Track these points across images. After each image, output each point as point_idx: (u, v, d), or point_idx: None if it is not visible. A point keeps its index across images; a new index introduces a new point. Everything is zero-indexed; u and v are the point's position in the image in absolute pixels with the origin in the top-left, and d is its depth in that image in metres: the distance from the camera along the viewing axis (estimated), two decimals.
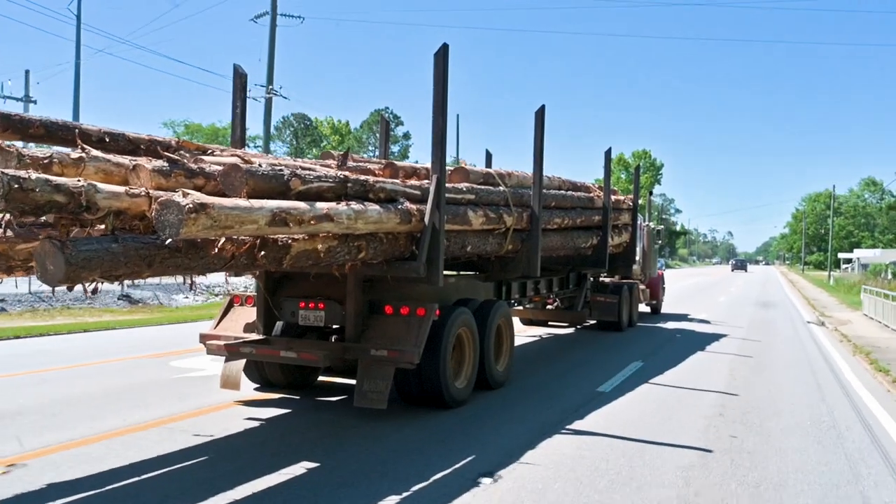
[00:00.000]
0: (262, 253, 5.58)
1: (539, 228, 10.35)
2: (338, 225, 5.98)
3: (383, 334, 7.51)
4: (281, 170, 5.85)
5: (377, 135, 68.68)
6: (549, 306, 16.74)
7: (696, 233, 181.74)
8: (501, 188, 9.84)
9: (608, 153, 14.61)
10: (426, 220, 7.33)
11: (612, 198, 15.33)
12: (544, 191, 11.39)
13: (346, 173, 6.61)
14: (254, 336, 7.96)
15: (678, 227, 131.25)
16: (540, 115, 10.35)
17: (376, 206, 6.63)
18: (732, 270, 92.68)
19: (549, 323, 17.16)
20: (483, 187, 9.32)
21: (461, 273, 10.70)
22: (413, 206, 7.30)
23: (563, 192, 12.33)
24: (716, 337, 16.24)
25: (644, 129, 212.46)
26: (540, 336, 15.54)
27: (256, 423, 7.30)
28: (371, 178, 6.94)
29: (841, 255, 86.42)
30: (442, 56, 7.48)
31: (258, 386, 8.78)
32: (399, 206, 7.10)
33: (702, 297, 32.78)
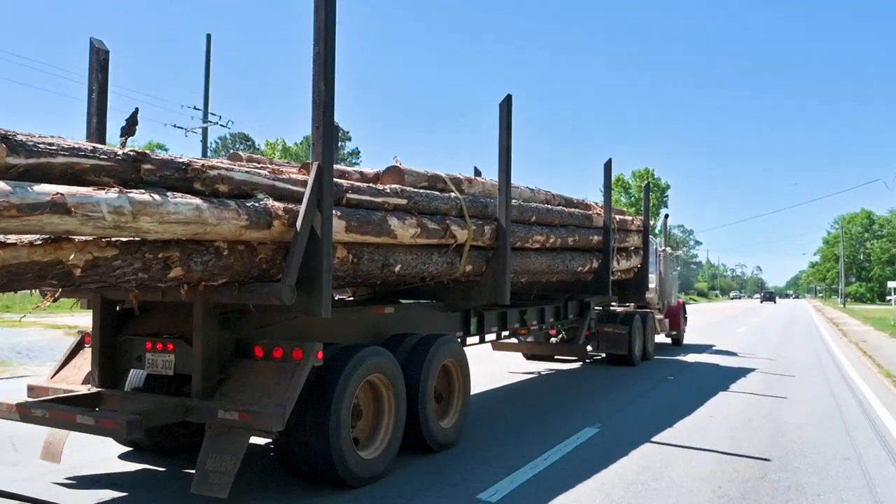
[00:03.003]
0: None
1: (507, 246, 7.66)
2: (88, 222, 3.44)
3: (246, 387, 4.91)
4: None
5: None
6: (552, 338, 13.98)
7: (723, 267, 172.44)
8: (453, 195, 7.22)
9: (608, 165, 11.85)
10: (298, 224, 4.75)
11: (617, 217, 12.52)
12: (521, 202, 8.76)
13: (138, 150, 4.09)
14: (84, 389, 5.41)
15: (697, 259, 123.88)
16: (506, 106, 7.73)
17: (194, 201, 4.09)
18: (761, 302, 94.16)
19: (556, 357, 14.32)
20: (423, 191, 6.72)
21: (407, 301, 8.03)
22: (280, 206, 4.75)
23: (547, 206, 9.60)
24: (738, 374, 13.15)
25: (650, 151, 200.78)
26: (538, 372, 12.68)
27: None
28: (201, 162, 4.40)
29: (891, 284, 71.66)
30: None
31: (129, 450, 6.24)
32: (254, 205, 4.54)
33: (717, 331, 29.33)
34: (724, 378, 12.28)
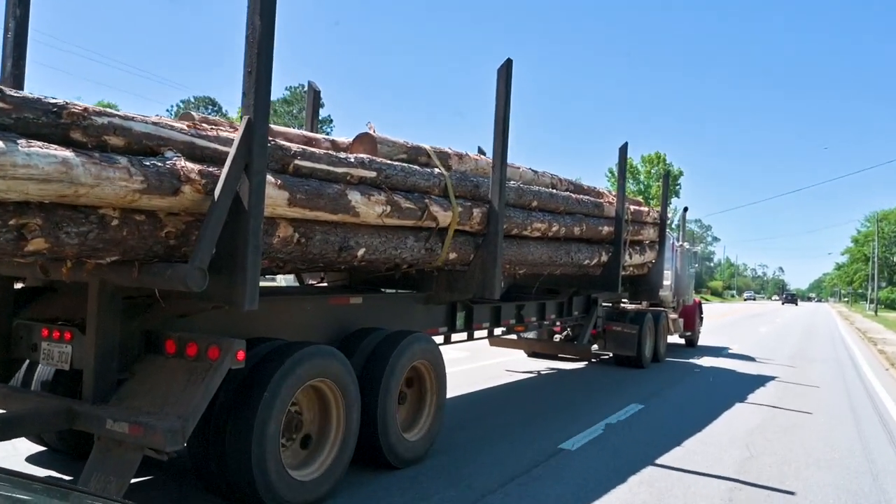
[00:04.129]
0: None
1: (499, 232, 6.62)
2: None
3: (149, 391, 3.94)
4: None
5: (296, 110, 51.71)
6: (557, 336, 12.93)
7: (743, 266, 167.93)
8: (436, 170, 6.18)
9: (623, 150, 10.70)
10: (217, 192, 3.75)
11: (631, 207, 11.40)
12: (521, 185, 7.71)
13: None
14: None
15: (714, 257, 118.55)
16: (505, 72, 6.67)
17: (60, 154, 3.09)
18: (783, 304, 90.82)
19: (560, 356, 13.27)
20: (398, 164, 5.69)
21: (389, 291, 7.03)
22: (195, 168, 3.75)
23: (551, 191, 8.53)
24: (755, 383, 12.01)
25: (664, 136, 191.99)
26: (537, 372, 11.64)
27: None
28: (83, 106, 3.40)
29: None
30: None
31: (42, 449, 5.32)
32: (155, 165, 3.55)
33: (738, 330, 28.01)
34: (739, 387, 11.16)
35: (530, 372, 11.47)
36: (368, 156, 5.42)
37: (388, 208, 5.31)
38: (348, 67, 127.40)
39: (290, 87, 55.95)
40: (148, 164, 3.49)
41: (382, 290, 7.21)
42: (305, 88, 8.15)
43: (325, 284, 7.69)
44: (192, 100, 59.40)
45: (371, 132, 5.83)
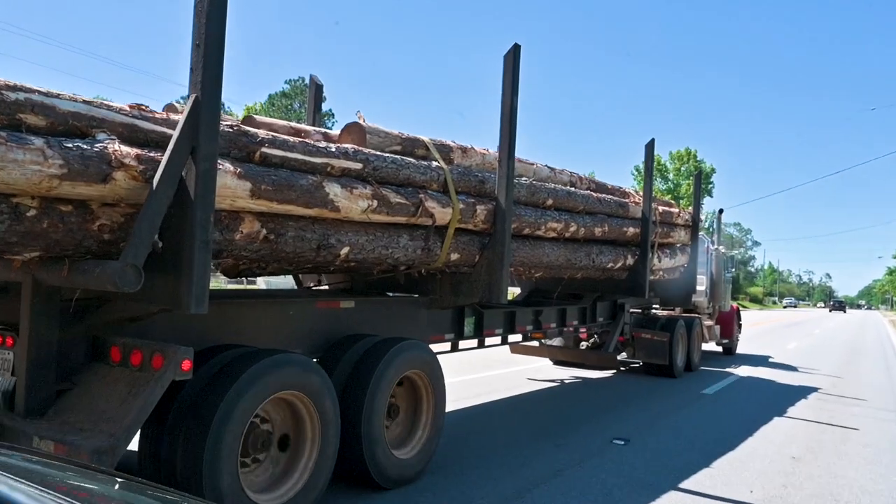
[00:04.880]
0: None
1: (506, 231, 6.06)
2: None
3: (88, 404, 3.49)
4: None
5: (297, 105, 49.67)
6: (583, 343, 12.26)
7: (788, 272, 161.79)
8: (434, 164, 5.66)
9: (650, 147, 10.03)
10: (155, 179, 3.28)
11: (660, 208, 10.70)
12: (534, 182, 7.13)
13: None
14: None
15: (754, 262, 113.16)
16: (512, 58, 6.12)
17: None
18: (830, 311, 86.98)
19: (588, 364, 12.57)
20: (388, 156, 5.18)
21: (382, 295, 6.52)
22: (131, 152, 3.29)
23: (569, 188, 7.92)
24: (795, 395, 11.15)
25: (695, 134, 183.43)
26: (560, 381, 10.97)
27: None
28: None
29: None
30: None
31: None
32: (80, 148, 3.10)
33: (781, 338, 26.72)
34: (777, 400, 10.34)
35: (553, 381, 10.82)
36: (353, 146, 4.93)
37: (375, 203, 4.79)
38: (350, 66, 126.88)
39: (290, 80, 54.19)
40: (70, 146, 3.04)
41: (388, 294, 6.72)
42: (306, 82, 7.72)
43: (326, 287, 7.23)
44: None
45: (360, 121, 5.34)
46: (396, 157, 5.25)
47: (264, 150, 4.08)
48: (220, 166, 3.65)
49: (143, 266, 3.29)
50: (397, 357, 4.92)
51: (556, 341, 11.83)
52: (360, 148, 4.96)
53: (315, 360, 5.00)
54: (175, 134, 3.36)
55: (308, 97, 7.62)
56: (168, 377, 3.37)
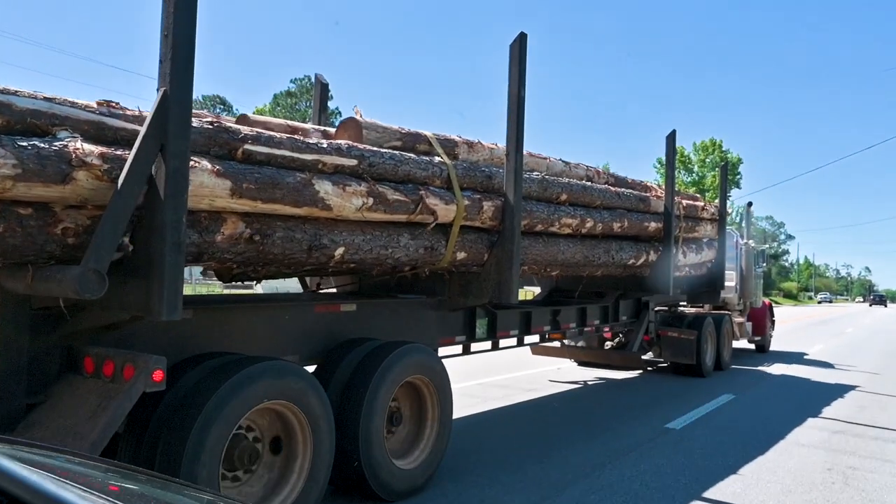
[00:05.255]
0: None
1: (515, 228, 5.77)
2: None
3: (58, 418, 3.29)
4: None
5: (303, 104, 48.39)
6: (608, 343, 11.89)
7: (825, 267, 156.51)
8: (437, 160, 5.40)
9: (671, 138, 9.64)
10: (120, 179, 3.08)
11: (684, 202, 10.29)
12: (547, 177, 6.83)
13: None
14: None
15: (787, 256, 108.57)
16: (518, 47, 5.83)
17: None
18: (870, 305, 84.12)
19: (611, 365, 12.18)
20: (386, 151, 4.93)
21: (391, 297, 6.27)
22: (94, 151, 3.09)
23: (584, 183, 7.59)
24: (831, 394, 10.63)
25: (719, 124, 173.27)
26: (584, 382, 10.61)
27: None
28: None
29: None
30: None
31: None
32: (36, 146, 2.90)
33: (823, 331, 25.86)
34: (811, 400, 9.87)
35: (575, 382, 10.47)
36: (347, 142, 4.69)
37: (371, 201, 4.55)
38: (359, 65, 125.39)
39: (296, 79, 52.62)
40: (25, 144, 2.85)
41: (397, 295, 6.48)
42: (312, 81, 7.52)
43: (333, 290, 7.02)
44: (201, 98, 53.78)
45: (357, 117, 5.10)
46: (395, 152, 5.00)
47: (247, 146, 3.86)
48: (196, 164, 3.44)
49: (114, 271, 3.10)
50: (397, 362, 4.67)
51: (580, 342, 11.48)
52: (355, 144, 4.73)
53: (313, 366, 4.79)
54: (142, 131, 3.15)
55: (314, 96, 7.43)
56: (138, 389, 3.16)
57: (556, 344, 10.32)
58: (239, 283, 5.88)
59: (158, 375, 3.22)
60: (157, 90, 3.24)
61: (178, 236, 3.20)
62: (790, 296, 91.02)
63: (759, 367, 13.17)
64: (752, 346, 15.80)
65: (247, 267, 4.73)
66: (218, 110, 51.28)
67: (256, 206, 3.84)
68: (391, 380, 4.60)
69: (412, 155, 5.16)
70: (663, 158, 9.76)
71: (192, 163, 3.41)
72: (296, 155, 4.16)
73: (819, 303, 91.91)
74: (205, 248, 3.69)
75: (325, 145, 4.38)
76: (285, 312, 4.74)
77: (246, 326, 4.38)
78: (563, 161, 7.69)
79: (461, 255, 5.66)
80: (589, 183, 7.71)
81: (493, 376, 10.55)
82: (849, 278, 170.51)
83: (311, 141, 4.34)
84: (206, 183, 3.49)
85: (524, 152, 6.96)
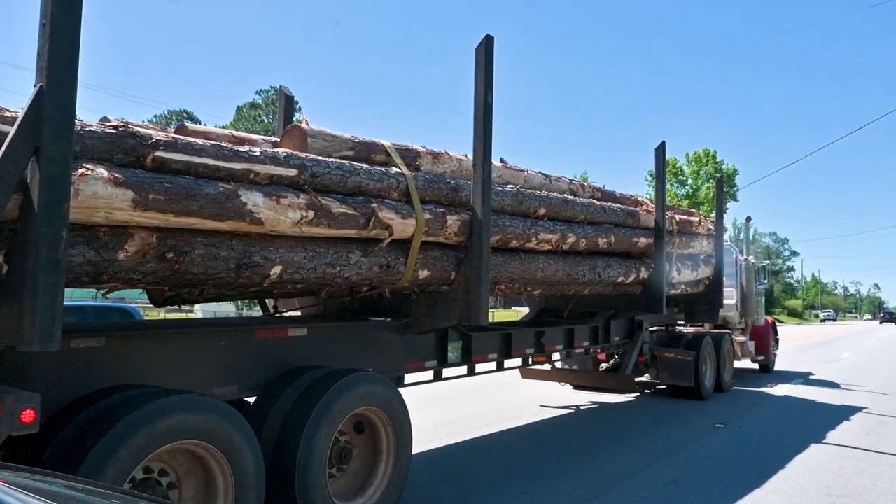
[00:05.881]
0: None
1: (484, 244, 5.30)
2: None
3: None
4: None
5: (266, 116, 45.82)
6: (603, 364, 11.34)
7: (833, 284, 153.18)
8: (394, 170, 4.95)
9: (660, 150, 9.17)
10: None
11: (677, 216, 9.80)
12: (522, 190, 6.37)
13: None
14: None
15: (791, 273, 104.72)
16: (484, 50, 5.40)
17: None
18: (881, 323, 78.84)
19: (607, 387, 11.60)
20: (332, 161, 4.48)
21: (362, 320, 5.79)
22: None
23: (566, 196, 7.12)
24: (838, 417, 10.03)
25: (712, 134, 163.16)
26: (575, 407, 10.04)
27: None
28: None
29: None
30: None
31: None
32: None
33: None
34: (818, 426, 9.27)
35: (567, 407, 9.91)
36: (286, 150, 4.25)
37: (311, 214, 4.09)
38: (351, 70, 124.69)
39: (261, 90, 49.18)
40: None
41: (366, 318, 6.00)
42: (278, 92, 7.11)
43: (298, 313, 6.54)
44: (167, 112, 51.67)
45: (302, 125, 4.66)
46: (344, 162, 4.55)
47: (159, 153, 3.41)
48: (89, 171, 3.00)
49: None
50: (344, 392, 4.18)
51: (574, 364, 10.95)
52: (296, 153, 4.28)
53: (251, 399, 4.31)
54: (11, 132, 2.71)
55: (278, 108, 7.02)
56: (3, 432, 2.69)
57: (546, 367, 9.79)
58: (176, 306, 5.42)
59: (29, 416, 2.75)
60: (34, 86, 2.81)
61: (56, 253, 2.75)
62: (795, 314, 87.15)
63: (763, 389, 12.55)
64: (756, 366, 15.18)
65: (186, 290, 4.28)
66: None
67: (168, 219, 3.38)
68: (336, 413, 4.11)
69: (364, 165, 4.71)
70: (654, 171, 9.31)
71: (84, 170, 2.98)
72: (221, 164, 3.71)
73: (822, 321, 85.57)
74: (104, 268, 3.23)
75: (257, 153, 3.94)
76: (221, 339, 4.26)
77: (170, 355, 3.90)
78: (542, 174, 7.24)
79: (424, 274, 5.19)
80: (571, 196, 7.24)
81: (476, 399, 10.02)
82: (857, 295, 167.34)
83: (240, 149, 3.90)
84: (101, 193, 3.04)
85: (497, 164, 6.55)
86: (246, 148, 3.96)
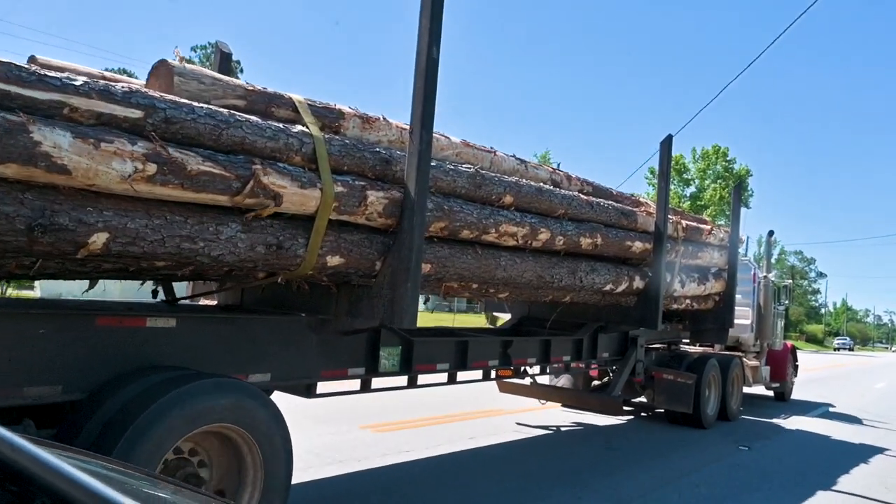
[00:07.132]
0: None
1: (416, 229, 4.25)
2: None
3: None
4: None
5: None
6: (595, 382, 10.20)
7: (865, 312, 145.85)
8: (297, 128, 3.92)
9: (666, 145, 7.99)
10: None
11: (683, 222, 8.63)
12: (481, 171, 5.30)
13: None
14: None
15: (818, 296, 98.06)
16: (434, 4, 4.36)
17: None
18: None
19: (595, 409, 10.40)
20: (199, 106, 3.47)
21: (259, 313, 4.78)
22: None
23: (539, 185, 6.02)
24: (855, 458, 8.71)
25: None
26: (556, 428, 8.88)
27: None
28: None
29: None
30: None
31: None
32: None
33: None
34: (829, 469, 8.00)
35: (547, 428, 8.75)
36: (128, 85, 3.25)
37: (151, 168, 3.08)
38: (356, 71, 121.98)
39: (197, 46, 43.29)
40: None
41: (283, 314, 4.98)
42: (214, 49, 6.15)
43: (214, 303, 5.56)
44: (105, 70, 44.75)
45: (171, 61, 3.66)
46: (220, 110, 3.54)
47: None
48: None
49: None
50: (182, 404, 3.15)
51: (562, 380, 9.81)
52: (146, 90, 3.28)
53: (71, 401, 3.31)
54: None
55: (213, 65, 6.04)
56: None
57: (525, 382, 8.67)
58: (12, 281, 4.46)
59: None
60: None
61: None
62: (814, 340, 78.18)
63: (774, 420, 11.23)
64: (771, 393, 13.82)
65: (24, 262, 3.31)
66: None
67: None
68: (164, 432, 3.08)
69: (253, 118, 3.70)
70: (657, 168, 8.14)
71: None
72: (13, 89, 2.73)
73: (836, 349, 70.64)
74: None
75: (77, 82, 2.95)
76: (39, 325, 3.27)
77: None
78: (517, 158, 6.16)
79: (335, 261, 4.16)
80: (548, 187, 6.15)
81: (449, 412, 8.95)
82: (891, 325, 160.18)
83: (52, 74, 2.91)
84: None
85: (457, 140, 5.51)
86: (63, 75, 2.98)
